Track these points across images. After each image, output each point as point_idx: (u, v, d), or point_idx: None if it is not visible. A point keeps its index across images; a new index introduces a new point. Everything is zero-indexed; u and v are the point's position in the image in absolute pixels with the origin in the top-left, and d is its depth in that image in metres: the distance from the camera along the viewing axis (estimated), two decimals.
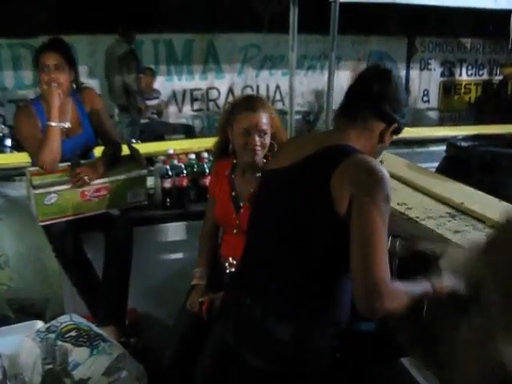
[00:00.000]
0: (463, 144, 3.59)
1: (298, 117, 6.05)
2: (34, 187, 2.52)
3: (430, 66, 10.22)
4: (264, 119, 2.24)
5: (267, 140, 2.27)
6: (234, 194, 2.37)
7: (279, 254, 1.74)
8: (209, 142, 2.81)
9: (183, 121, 8.25)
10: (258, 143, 2.24)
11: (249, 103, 2.30)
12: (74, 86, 2.79)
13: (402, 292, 1.53)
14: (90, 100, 2.84)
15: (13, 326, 2.21)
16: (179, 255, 3.10)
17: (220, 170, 2.44)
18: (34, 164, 2.75)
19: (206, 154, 3.08)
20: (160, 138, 6.77)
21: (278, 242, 1.75)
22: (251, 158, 2.27)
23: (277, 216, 1.78)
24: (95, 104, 2.85)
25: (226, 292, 2.02)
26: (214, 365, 2.12)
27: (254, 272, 1.82)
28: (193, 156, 3.07)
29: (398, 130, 1.77)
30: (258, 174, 2.27)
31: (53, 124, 2.59)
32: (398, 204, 2.40)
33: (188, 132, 7.45)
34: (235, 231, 2.37)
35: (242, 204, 2.34)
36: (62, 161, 2.66)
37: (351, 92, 1.78)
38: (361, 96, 1.74)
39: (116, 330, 2.53)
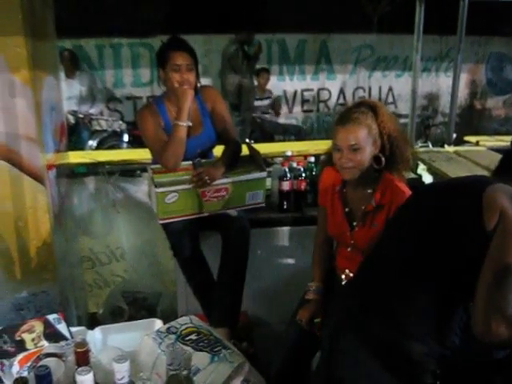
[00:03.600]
0: None
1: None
2: (156, 185, 2.53)
3: None
4: (356, 134, 2.02)
5: (362, 157, 2.04)
6: (347, 210, 2.23)
7: (407, 271, 1.67)
8: (326, 145, 2.73)
9: (293, 121, 8.22)
10: (345, 160, 2.04)
11: (344, 115, 2.09)
12: (199, 85, 2.78)
13: None
14: (212, 98, 2.82)
15: (132, 322, 2.23)
16: (294, 260, 3.05)
17: (329, 181, 2.30)
18: (154, 161, 2.77)
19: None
20: (270, 137, 6.78)
21: (407, 259, 1.68)
22: (345, 176, 2.11)
23: (414, 231, 1.73)
24: (217, 102, 2.82)
25: (338, 306, 1.92)
26: None
27: (374, 285, 1.74)
28: (312, 159, 3.00)
29: None
30: (370, 190, 2.15)
31: (181, 123, 2.59)
32: None
33: (298, 133, 7.41)
34: (349, 249, 2.25)
35: (355, 222, 2.20)
36: (182, 160, 2.66)
37: (506, 158, 1.80)
38: None
39: (229, 332, 2.50)
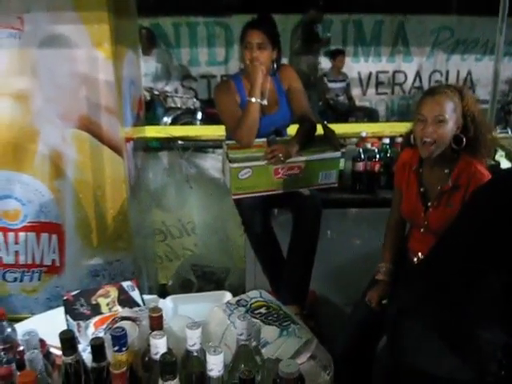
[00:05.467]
0: None
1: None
2: (230, 161, 2.56)
3: None
4: (443, 106, 2.00)
5: (445, 130, 2.01)
6: (422, 190, 2.19)
7: (477, 259, 1.60)
8: (401, 127, 2.69)
9: (366, 104, 8.08)
10: (428, 131, 2.01)
11: (433, 89, 2.11)
12: (275, 65, 2.77)
13: None
14: (288, 77, 2.83)
15: (202, 293, 2.28)
16: (364, 242, 3.02)
17: (407, 161, 2.26)
18: (229, 137, 2.81)
19: (400, 140, 2.93)
20: (343, 120, 6.71)
21: (478, 247, 1.61)
22: (423, 152, 2.07)
23: (487, 217, 1.65)
24: (293, 81, 2.83)
25: (405, 288, 1.89)
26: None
27: (443, 270, 1.69)
28: (387, 140, 2.95)
29: None
30: (447, 171, 2.10)
31: (253, 100, 2.61)
32: None
33: (371, 116, 7.29)
34: (422, 230, 2.21)
35: (430, 203, 2.16)
36: (257, 137, 2.68)
37: None
38: None
39: (297, 309, 2.51)
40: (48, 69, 2.51)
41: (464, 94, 2.07)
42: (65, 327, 1.80)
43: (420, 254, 2.22)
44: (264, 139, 2.68)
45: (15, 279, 2.87)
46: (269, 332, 1.67)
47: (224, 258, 3.66)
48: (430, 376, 1.63)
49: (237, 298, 1.87)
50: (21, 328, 1.55)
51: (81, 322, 1.82)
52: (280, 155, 2.54)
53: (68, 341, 1.31)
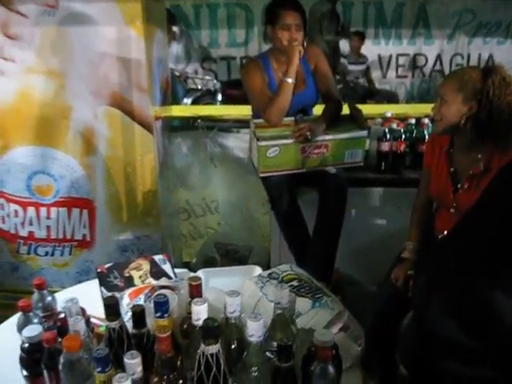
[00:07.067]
0: None
1: None
2: (258, 139, 2.59)
3: None
4: (445, 85, 2.06)
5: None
6: (452, 170, 2.19)
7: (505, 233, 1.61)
8: (425, 108, 2.70)
9: (386, 87, 8.02)
10: (435, 110, 2.09)
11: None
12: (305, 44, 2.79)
13: None
14: (315, 57, 2.85)
15: (232, 267, 2.32)
16: (388, 221, 3.04)
17: (437, 142, 2.26)
18: (256, 116, 2.83)
19: (426, 120, 2.94)
20: (363, 102, 6.68)
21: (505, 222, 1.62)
22: (434, 128, 2.20)
23: None
24: (319, 61, 2.85)
25: (433, 263, 1.91)
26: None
27: (472, 244, 1.70)
28: (412, 121, 2.96)
29: None
30: (480, 155, 2.08)
31: (289, 80, 2.64)
32: None
33: (391, 99, 7.25)
34: (452, 210, 2.21)
35: (460, 184, 2.16)
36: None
37: None
38: None
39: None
40: (81, 46, 2.55)
41: (490, 74, 1.97)
42: (99, 299, 1.86)
43: (446, 232, 2.23)
44: (291, 118, 2.71)
45: (47, 253, 2.94)
46: (301, 304, 1.70)
47: (247, 236, 3.69)
48: (455, 344, 1.66)
49: (268, 271, 1.90)
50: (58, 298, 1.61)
51: (115, 293, 1.87)
52: (308, 133, 2.57)
53: (112, 306, 1.36)
